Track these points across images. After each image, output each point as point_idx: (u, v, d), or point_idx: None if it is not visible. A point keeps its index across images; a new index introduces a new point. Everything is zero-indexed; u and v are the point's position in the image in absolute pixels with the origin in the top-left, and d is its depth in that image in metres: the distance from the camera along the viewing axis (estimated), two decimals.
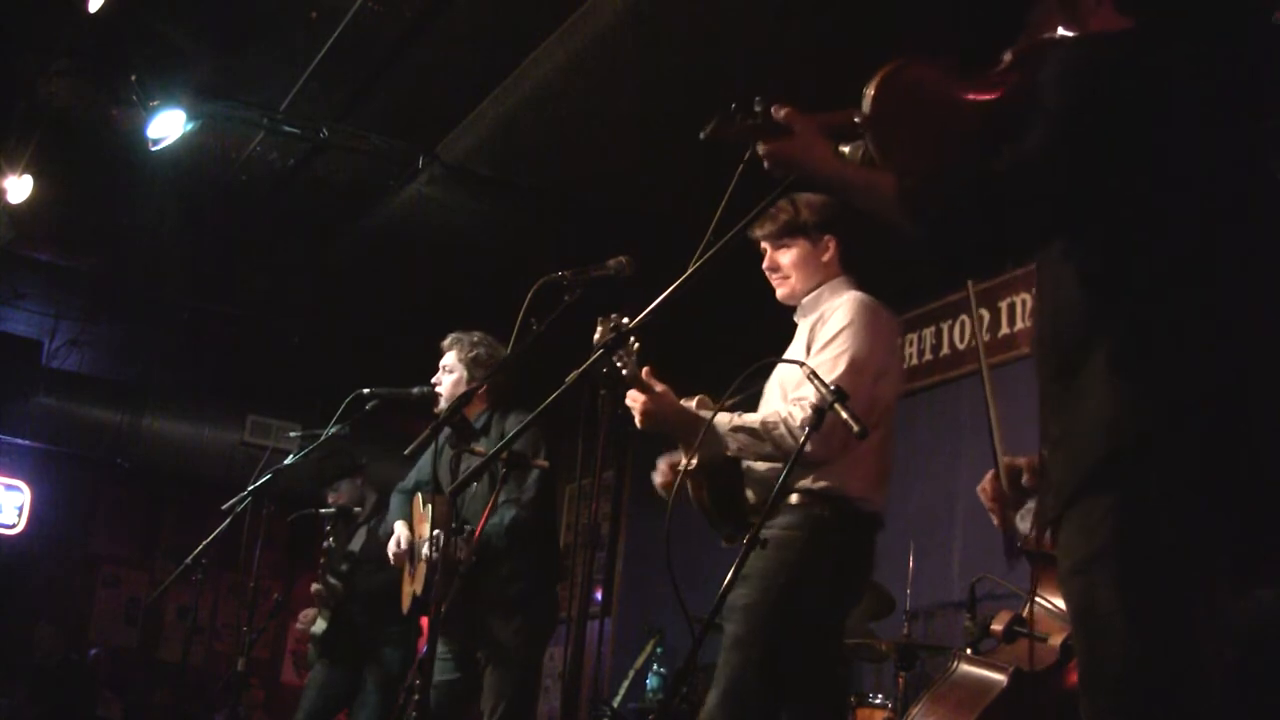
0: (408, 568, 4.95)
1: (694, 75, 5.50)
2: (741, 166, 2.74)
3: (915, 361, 6.85)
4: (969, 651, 4.54)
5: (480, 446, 4.63)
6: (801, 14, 5.08)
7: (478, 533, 4.24)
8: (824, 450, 3.19)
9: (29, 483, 10.91)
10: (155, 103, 6.14)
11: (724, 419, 3.29)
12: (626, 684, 7.16)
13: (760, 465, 3.36)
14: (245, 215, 7.64)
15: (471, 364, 4.88)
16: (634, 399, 3.29)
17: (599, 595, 8.84)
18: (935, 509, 6.27)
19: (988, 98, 2.17)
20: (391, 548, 4.90)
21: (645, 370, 3.32)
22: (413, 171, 6.78)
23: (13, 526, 10.87)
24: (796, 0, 5.07)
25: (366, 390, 4.78)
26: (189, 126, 6.33)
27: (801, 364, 3.09)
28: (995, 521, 2.48)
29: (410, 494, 5.10)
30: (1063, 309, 2.11)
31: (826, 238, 3.52)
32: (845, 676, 3.83)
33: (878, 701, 4.94)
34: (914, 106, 2.15)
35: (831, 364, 3.27)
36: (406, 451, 4.81)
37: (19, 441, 10.25)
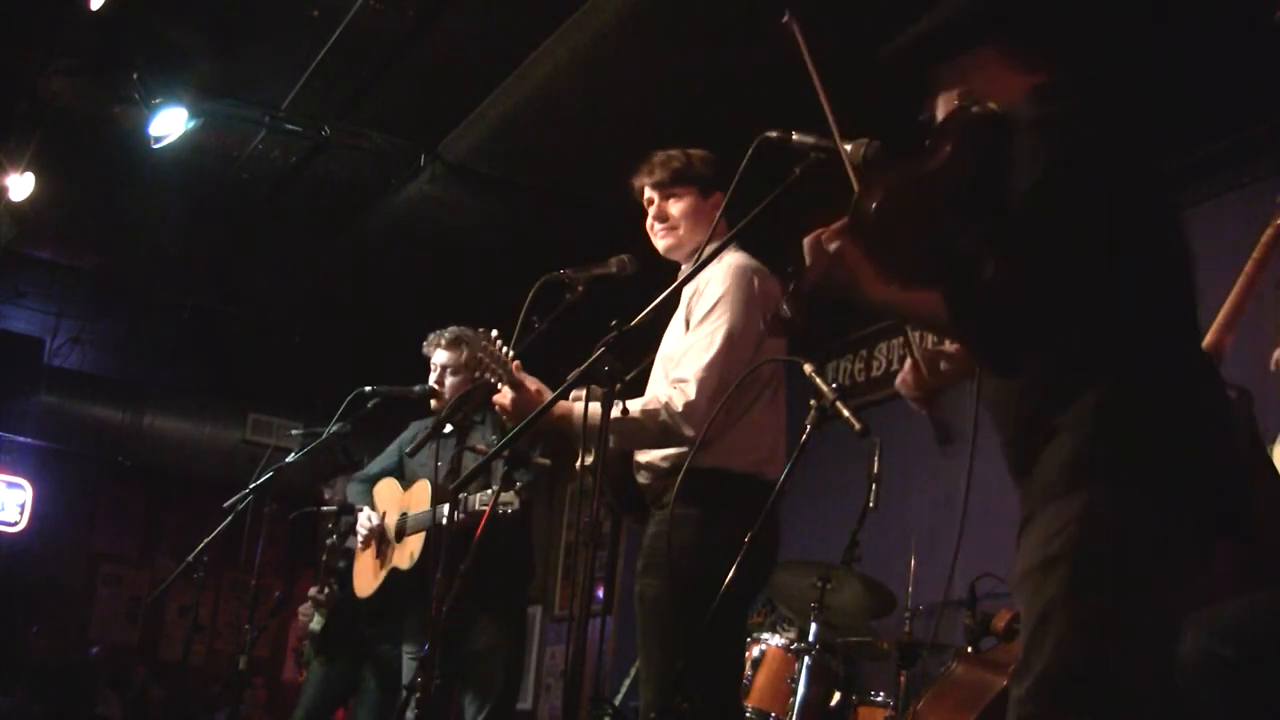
0: (372, 549, 5.01)
1: (694, 74, 5.50)
2: (743, 166, 2.74)
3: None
4: (970, 650, 4.55)
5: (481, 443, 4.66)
6: (802, 13, 5.07)
7: (478, 534, 4.25)
8: (708, 432, 3.13)
9: (31, 480, 10.92)
10: (157, 101, 6.15)
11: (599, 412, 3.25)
12: (628, 682, 7.15)
13: (645, 451, 3.30)
14: (246, 214, 7.65)
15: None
16: (502, 397, 3.30)
17: (600, 593, 8.84)
18: (936, 507, 6.26)
19: (946, 189, 2.21)
20: (365, 524, 4.94)
21: (515, 366, 3.32)
22: (414, 170, 6.79)
23: (14, 524, 10.88)
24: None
25: (368, 388, 4.78)
26: (190, 125, 6.33)
27: (796, 360, 3.08)
28: (919, 408, 2.49)
29: (372, 482, 5.17)
30: (1040, 380, 2.18)
31: (716, 193, 3.42)
32: (741, 654, 3.73)
33: (879, 700, 4.94)
34: (895, 219, 2.17)
35: (709, 339, 3.21)
36: (409, 450, 4.82)
37: (21, 439, 10.26)
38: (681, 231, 3.45)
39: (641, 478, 3.34)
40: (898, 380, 2.52)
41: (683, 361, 3.24)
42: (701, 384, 3.15)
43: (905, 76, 2.36)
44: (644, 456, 3.33)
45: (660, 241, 3.50)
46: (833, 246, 2.15)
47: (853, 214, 2.16)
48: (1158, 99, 2.37)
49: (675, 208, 3.46)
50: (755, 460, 3.24)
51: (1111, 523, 2.04)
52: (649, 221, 3.53)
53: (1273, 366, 3.25)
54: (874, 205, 2.13)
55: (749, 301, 3.25)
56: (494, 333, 3.36)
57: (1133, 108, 2.24)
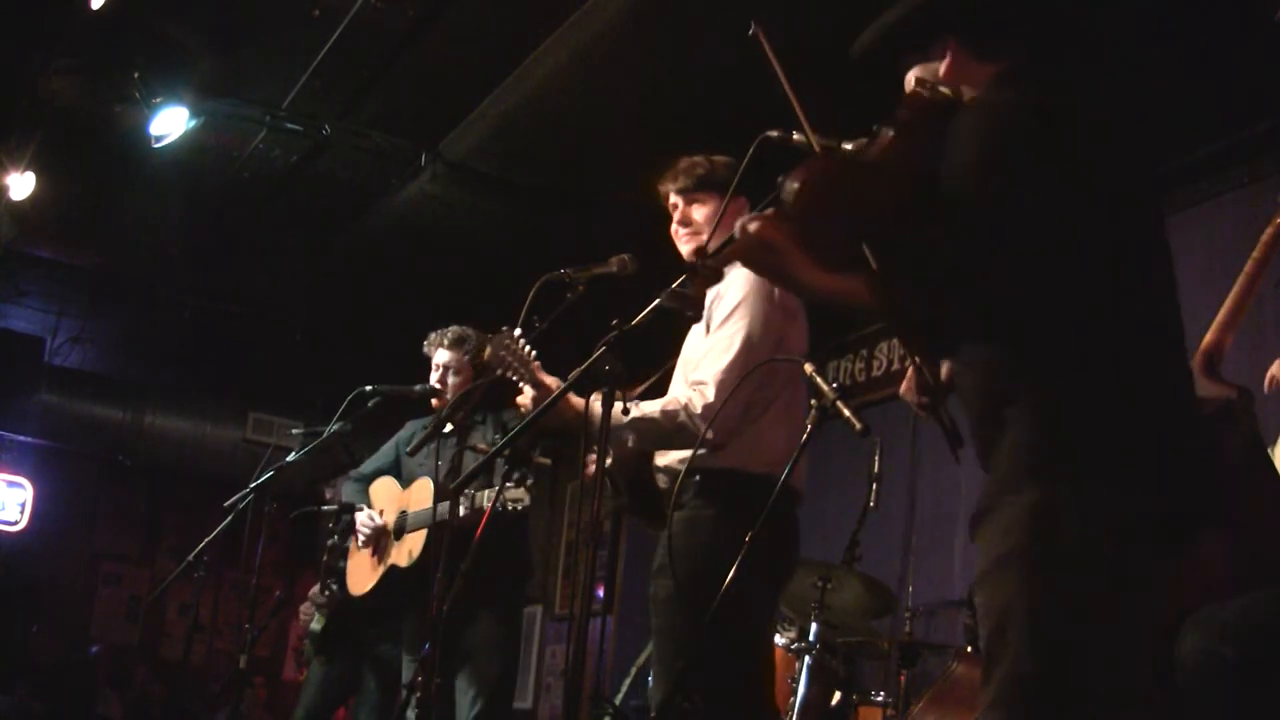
0: (370, 549, 5.01)
1: (694, 74, 5.50)
2: (742, 167, 2.75)
3: None
4: (970, 650, 4.54)
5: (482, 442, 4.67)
6: (804, 13, 5.07)
7: (479, 532, 4.26)
8: (722, 433, 3.18)
9: (31, 480, 10.92)
10: (157, 100, 6.14)
11: (618, 411, 3.27)
12: (628, 682, 7.16)
13: (665, 454, 3.34)
14: (247, 213, 7.65)
15: (485, 365, 4.94)
16: (524, 397, 3.32)
17: (601, 593, 8.84)
18: (937, 507, 6.27)
19: (891, 175, 2.21)
20: (365, 523, 4.94)
21: (535, 365, 3.34)
22: (415, 170, 6.79)
23: (15, 524, 10.87)
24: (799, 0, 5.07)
25: (368, 388, 4.79)
26: (191, 124, 6.33)
27: (797, 360, 3.08)
28: (924, 414, 2.48)
29: (368, 481, 5.16)
30: (990, 363, 2.18)
31: (739, 198, 3.42)
32: (765, 661, 3.73)
33: (879, 699, 4.94)
34: (825, 203, 2.17)
35: (728, 342, 3.25)
36: (409, 449, 4.83)
37: (21, 438, 10.26)
38: (705, 237, 3.46)
39: (660, 481, 3.37)
40: (902, 388, 2.52)
41: (702, 364, 3.29)
42: (720, 386, 3.20)
43: (878, 69, 2.36)
44: (662, 460, 3.35)
45: (685, 246, 3.53)
46: (752, 227, 2.16)
47: (778, 197, 2.17)
48: (1134, 90, 2.35)
49: (699, 213, 3.50)
50: (770, 461, 3.26)
51: (1062, 520, 2.01)
52: (673, 227, 3.56)
53: (1266, 388, 3.23)
54: (796, 189, 2.13)
55: (768, 306, 3.30)
56: (517, 331, 3.38)
57: (1096, 97, 2.23)
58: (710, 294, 3.40)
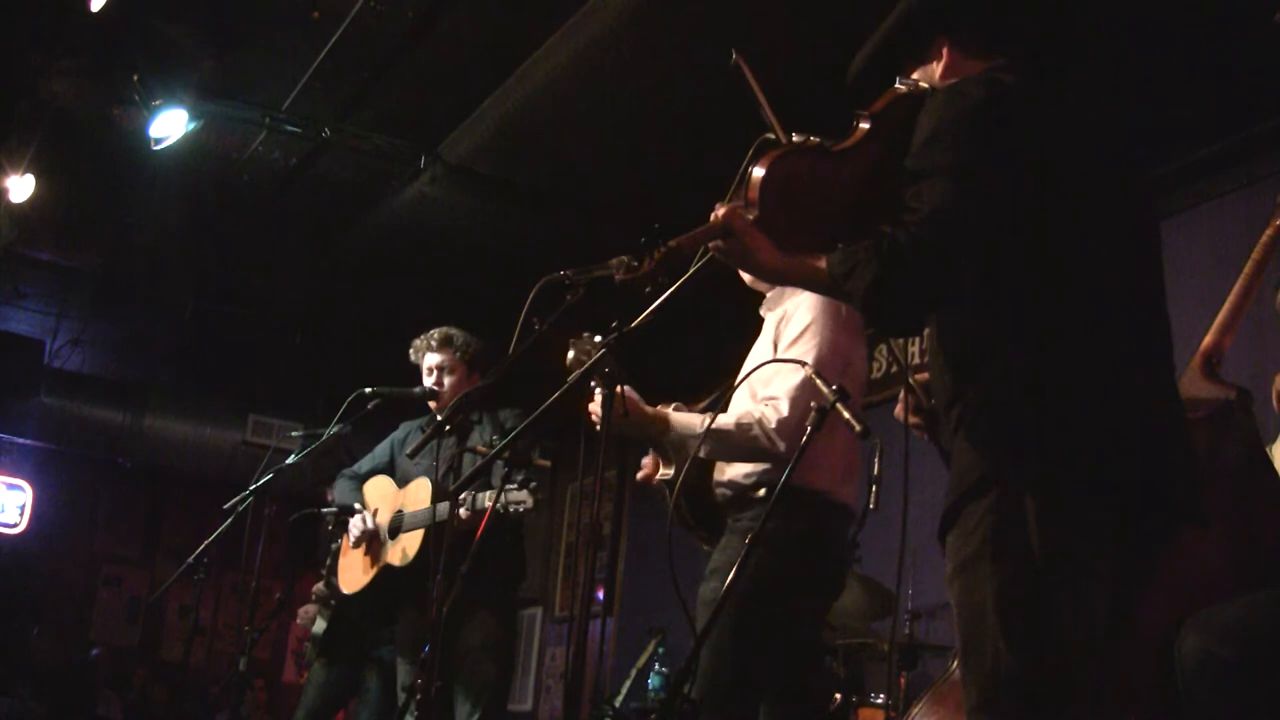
0: (363, 548, 4.99)
1: (694, 75, 5.50)
2: (743, 168, 2.75)
3: (919, 360, 6.85)
4: None
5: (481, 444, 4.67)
6: (804, 13, 5.08)
7: (479, 532, 4.25)
8: (793, 449, 3.20)
9: (31, 482, 10.93)
10: (157, 102, 6.15)
11: (694, 422, 3.30)
12: (628, 683, 7.16)
13: (729, 466, 3.36)
14: (247, 215, 7.65)
15: (475, 360, 4.93)
16: (594, 404, 3.33)
17: (601, 595, 8.84)
18: (937, 508, 6.27)
19: (863, 166, 2.24)
20: (358, 526, 4.92)
21: None
22: (414, 171, 6.79)
23: (15, 526, 10.88)
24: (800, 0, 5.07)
25: (368, 389, 4.78)
26: (191, 126, 6.33)
27: (802, 364, 3.09)
28: (923, 435, 2.51)
29: (362, 479, 5.15)
30: (952, 353, 2.19)
31: None
32: (823, 672, 3.74)
33: (879, 701, 4.94)
34: (794, 192, 2.22)
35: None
36: (409, 451, 4.82)
37: (21, 441, 10.26)
38: None
39: (719, 495, 3.39)
40: (896, 410, 2.54)
41: (774, 381, 3.31)
42: (794, 402, 3.23)
43: (875, 82, 2.38)
44: (726, 474, 3.38)
45: (747, 276, 3.56)
46: (719, 213, 2.22)
47: (742, 184, 2.22)
48: (1134, 90, 2.36)
49: None
50: (829, 480, 3.32)
51: (1028, 516, 2.00)
52: None
53: (1276, 403, 3.22)
54: (759, 177, 2.18)
55: (834, 328, 3.35)
56: (598, 338, 3.39)
57: (1092, 96, 2.22)
58: (775, 315, 3.46)
